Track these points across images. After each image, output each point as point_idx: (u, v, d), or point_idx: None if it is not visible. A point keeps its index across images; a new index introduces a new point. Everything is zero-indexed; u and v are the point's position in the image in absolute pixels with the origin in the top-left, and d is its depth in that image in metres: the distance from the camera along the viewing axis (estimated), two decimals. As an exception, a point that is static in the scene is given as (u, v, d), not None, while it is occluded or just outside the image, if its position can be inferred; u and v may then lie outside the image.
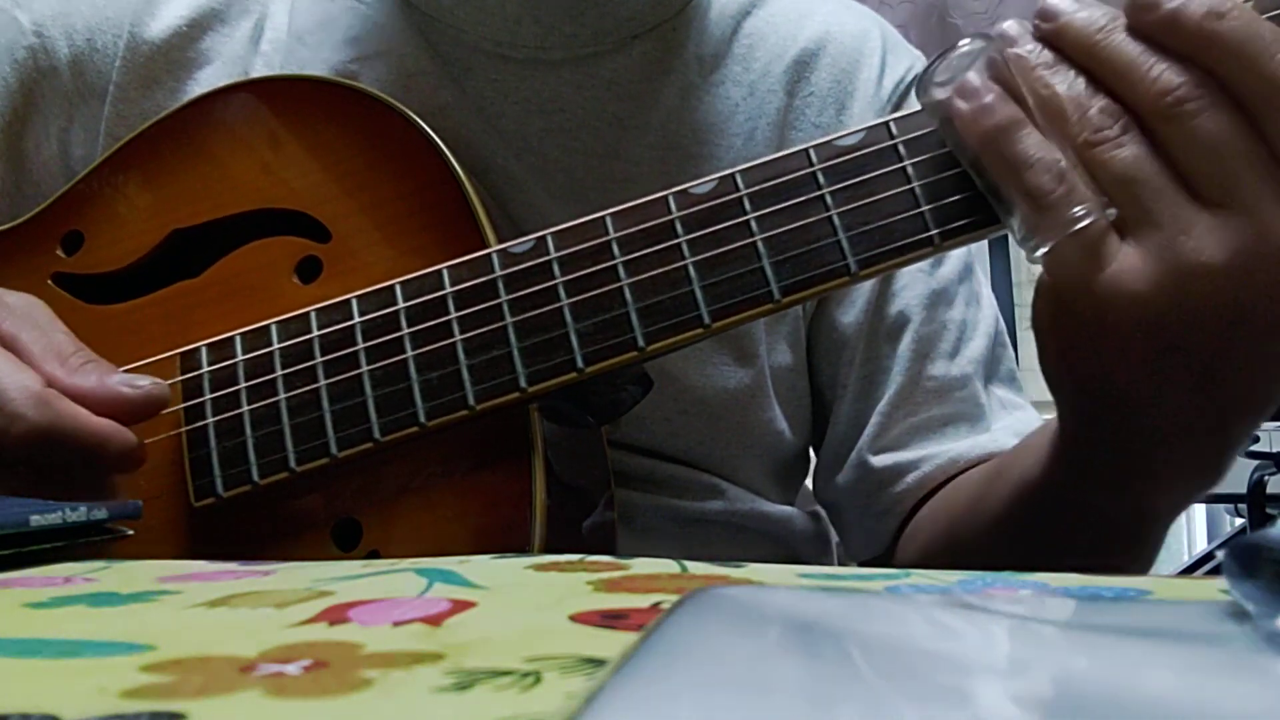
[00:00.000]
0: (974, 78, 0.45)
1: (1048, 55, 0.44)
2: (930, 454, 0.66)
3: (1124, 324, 0.43)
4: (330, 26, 0.64)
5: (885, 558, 0.68)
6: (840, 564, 0.73)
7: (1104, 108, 0.43)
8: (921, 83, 0.46)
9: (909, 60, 0.71)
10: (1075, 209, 0.42)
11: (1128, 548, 0.55)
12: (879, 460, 0.66)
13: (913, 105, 0.69)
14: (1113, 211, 0.43)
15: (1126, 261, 0.42)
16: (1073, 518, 0.54)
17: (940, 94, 0.46)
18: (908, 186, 0.48)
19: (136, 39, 0.64)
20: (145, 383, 0.49)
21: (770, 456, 0.68)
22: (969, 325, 0.68)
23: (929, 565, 0.63)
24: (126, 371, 0.50)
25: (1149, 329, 0.43)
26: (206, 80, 0.63)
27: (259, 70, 0.64)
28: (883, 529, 0.67)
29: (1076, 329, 0.45)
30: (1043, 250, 0.43)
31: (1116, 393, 0.46)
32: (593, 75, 0.64)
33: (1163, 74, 0.42)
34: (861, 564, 0.70)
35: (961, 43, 0.46)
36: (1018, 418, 0.67)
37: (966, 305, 0.68)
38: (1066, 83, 0.43)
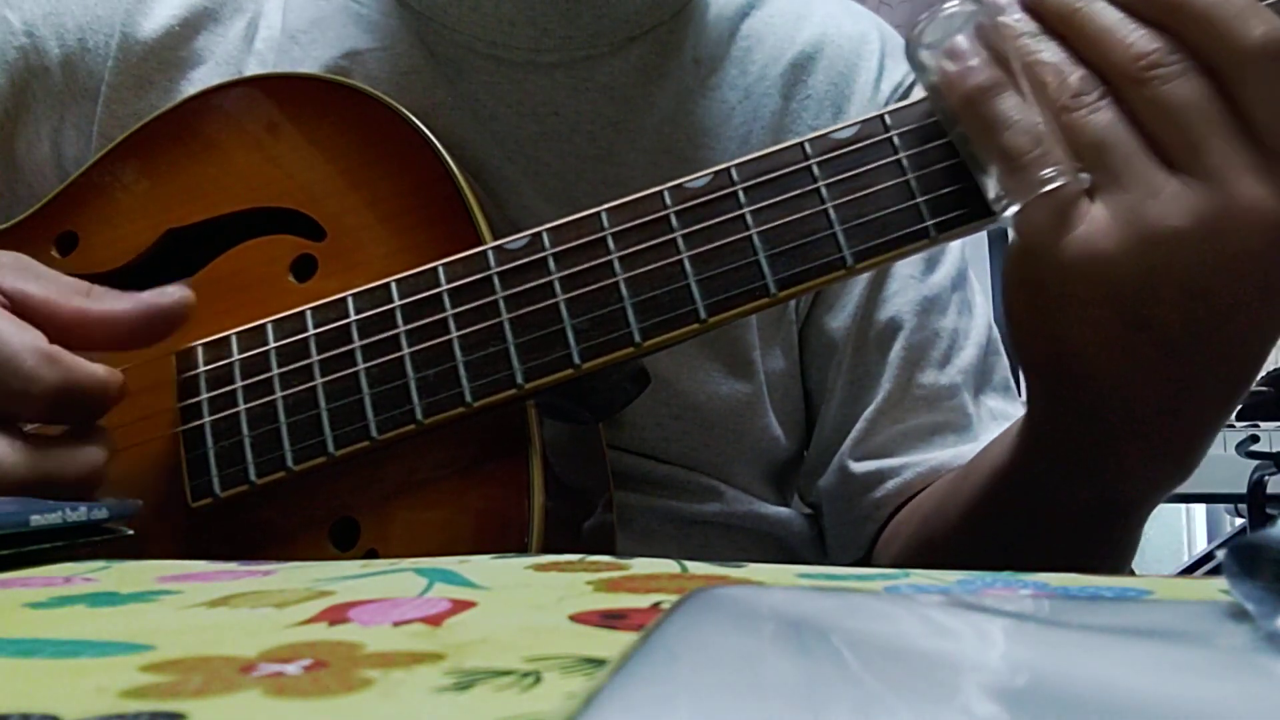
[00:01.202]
0: (962, 41, 0.45)
1: (1033, 25, 0.45)
2: (913, 461, 0.65)
3: (1089, 290, 0.43)
4: (324, 25, 0.64)
5: (863, 563, 0.67)
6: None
7: (1083, 76, 0.44)
8: (909, 42, 0.47)
9: (908, 64, 0.71)
10: (1047, 170, 0.43)
11: (1098, 542, 0.55)
12: (860, 466, 0.66)
13: None
14: (1085, 177, 0.43)
15: (1094, 224, 0.43)
16: (1041, 510, 0.54)
17: (927, 55, 0.47)
18: (903, 178, 0.48)
19: (128, 38, 0.64)
20: (173, 290, 0.49)
21: (765, 460, 0.68)
22: (960, 334, 0.68)
23: (905, 567, 0.63)
24: (121, 371, 0.50)
25: (1114, 297, 0.43)
26: (200, 80, 0.63)
27: (252, 69, 0.63)
28: (861, 534, 0.67)
29: (1043, 295, 0.45)
30: (1013, 210, 0.44)
31: (1082, 367, 0.46)
32: (588, 79, 0.64)
33: (1136, 40, 0.42)
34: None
35: (950, 4, 0.46)
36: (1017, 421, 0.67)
37: (959, 314, 0.68)
38: (1049, 50, 0.44)
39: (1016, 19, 0.45)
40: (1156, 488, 0.52)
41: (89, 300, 0.48)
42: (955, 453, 0.65)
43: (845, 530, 0.68)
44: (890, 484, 0.65)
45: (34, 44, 0.64)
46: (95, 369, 0.47)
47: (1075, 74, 0.43)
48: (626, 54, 0.65)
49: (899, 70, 0.70)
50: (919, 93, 0.70)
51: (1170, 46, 0.42)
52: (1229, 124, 0.41)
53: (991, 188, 0.45)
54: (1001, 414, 0.68)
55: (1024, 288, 0.46)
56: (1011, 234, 0.46)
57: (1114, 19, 0.43)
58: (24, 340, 0.45)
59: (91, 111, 0.64)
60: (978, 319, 0.69)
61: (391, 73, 0.63)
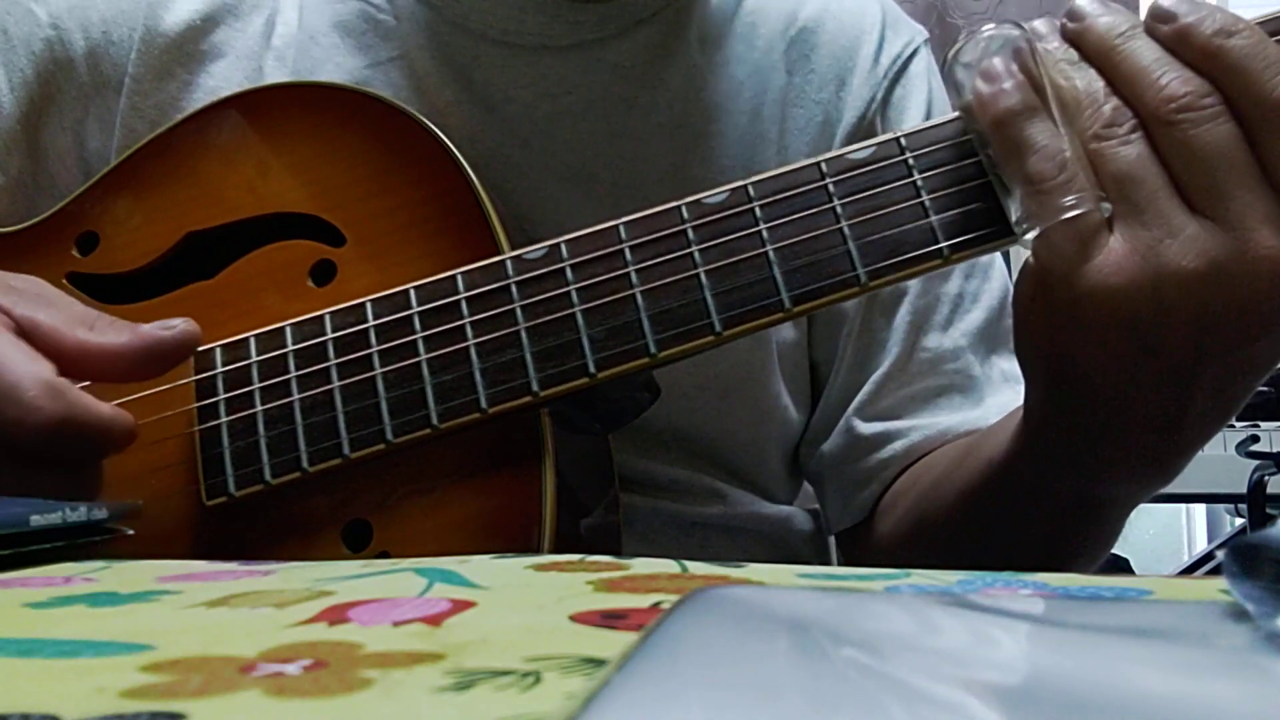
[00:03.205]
0: (998, 63, 0.46)
1: (1072, 54, 0.46)
2: (920, 424, 0.66)
3: (1100, 318, 0.44)
4: (342, 29, 0.65)
5: (863, 528, 0.68)
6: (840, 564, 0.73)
7: (1117, 107, 0.44)
8: (947, 61, 0.48)
9: (908, 35, 0.71)
10: (1070, 198, 0.44)
11: (1079, 534, 0.56)
12: (868, 427, 0.67)
13: (911, 78, 0.69)
14: (1107, 207, 0.44)
15: (1111, 255, 0.44)
16: (1028, 498, 0.55)
17: (963, 74, 0.47)
18: (917, 199, 0.48)
19: (151, 32, 0.64)
20: (178, 323, 0.49)
21: (779, 437, 0.68)
22: (966, 297, 0.68)
23: (898, 540, 0.64)
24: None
25: (1126, 325, 0.44)
26: (219, 73, 0.64)
27: (270, 65, 0.64)
28: (863, 496, 0.67)
29: (1054, 314, 0.46)
30: (1034, 234, 0.45)
31: (1083, 382, 0.47)
32: (599, 59, 0.65)
33: (1171, 82, 0.43)
34: (839, 534, 0.71)
35: (987, 27, 0.47)
36: (1017, 392, 0.67)
37: (965, 278, 0.69)
38: (1085, 80, 0.45)
39: (1055, 46, 0.46)
40: (1139, 490, 0.54)
41: (92, 333, 0.48)
42: (963, 417, 0.66)
43: (847, 493, 0.68)
44: (897, 444, 0.66)
45: (60, 36, 0.64)
46: (101, 408, 0.46)
47: (1109, 105, 0.44)
48: (634, 35, 0.65)
49: (899, 41, 0.71)
50: (919, 65, 0.71)
51: (1204, 91, 0.43)
52: (1253, 173, 0.43)
53: (1014, 209, 0.46)
54: (1013, 375, 0.68)
55: (1037, 306, 0.47)
56: (1029, 255, 0.47)
57: (1151, 58, 0.44)
58: (30, 370, 0.45)
59: (115, 104, 0.64)
60: (993, 281, 0.70)
61: (409, 78, 0.64)
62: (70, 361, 0.48)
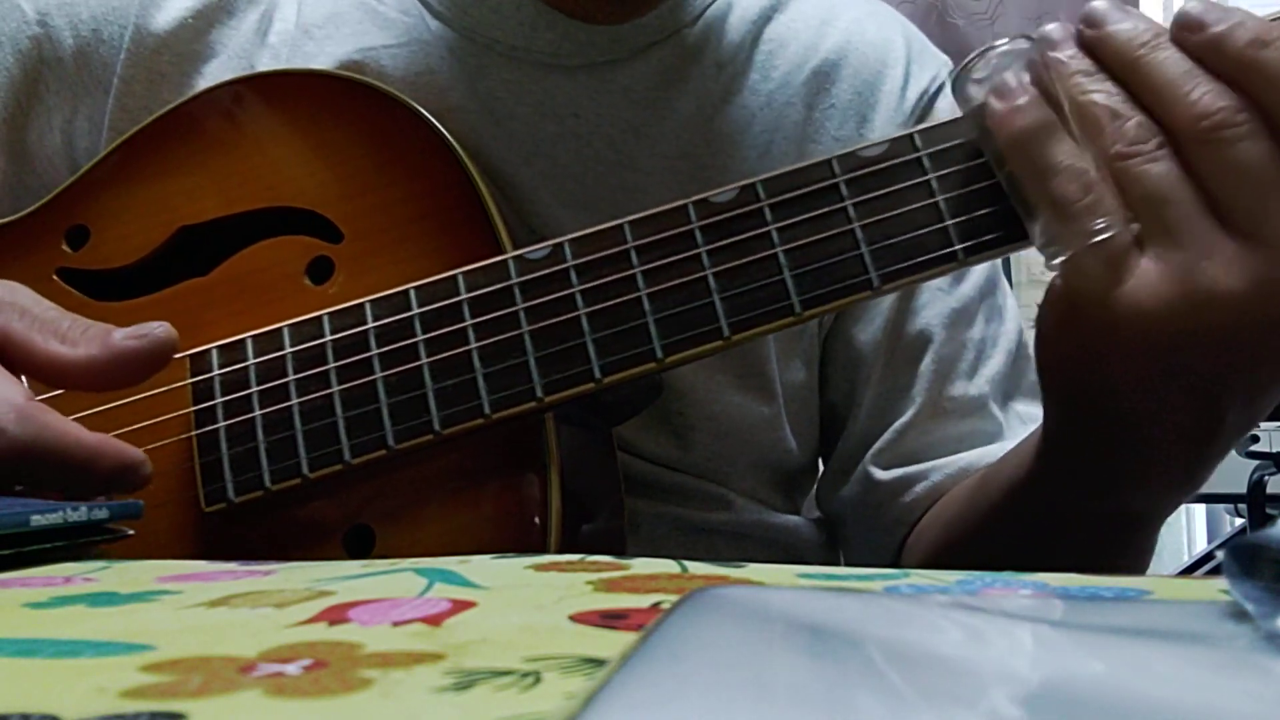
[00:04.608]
0: (1011, 78, 0.44)
1: (1088, 63, 0.44)
2: (941, 464, 0.65)
3: (1133, 341, 0.43)
4: (339, 20, 0.63)
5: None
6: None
7: (1140, 122, 0.42)
8: (958, 77, 0.46)
9: (934, 68, 0.69)
10: (1098, 221, 0.42)
11: (1115, 548, 0.55)
12: (886, 474, 0.66)
13: (938, 114, 0.67)
14: (1136, 226, 0.42)
15: (1144, 279, 0.42)
16: (1056, 519, 0.54)
17: (975, 91, 0.46)
18: (932, 200, 0.47)
19: (142, 31, 0.63)
20: (153, 329, 0.47)
21: (774, 469, 0.67)
22: (988, 342, 0.67)
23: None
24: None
25: (1157, 349, 0.43)
26: (212, 74, 0.62)
27: (265, 63, 0.62)
28: (892, 540, 0.66)
29: (1083, 339, 0.45)
30: (1061, 259, 0.43)
31: (1112, 404, 0.46)
32: (609, 82, 0.63)
33: (1203, 97, 0.41)
34: None
35: (1001, 41, 0.45)
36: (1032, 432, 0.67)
37: (987, 322, 0.67)
38: (1105, 93, 0.43)
39: (1070, 55, 0.44)
40: (1172, 501, 0.52)
41: (62, 345, 0.46)
42: (981, 453, 0.65)
43: (875, 538, 0.67)
44: (919, 487, 0.65)
45: (48, 33, 0.63)
46: (84, 439, 0.45)
47: (1132, 120, 0.42)
48: (648, 58, 0.64)
49: (925, 76, 0.69)
50: (946, 100, 0.69)
51: (1238, 105, 0.41)
52: None
53: (1039, 233, 0.44)
54: (1030, 418, 0.67)
55: (1065, 331, 0.46)
56: (1055, 277, 0.45)
57: (1179, 71, 0.42)
58: (1, 393, 0.44)
59: (103, 103, 0.63)
60: (1008, 324, 0.68)
61: (406, 71, 0.62)
62: (42, 374, 0.47)
